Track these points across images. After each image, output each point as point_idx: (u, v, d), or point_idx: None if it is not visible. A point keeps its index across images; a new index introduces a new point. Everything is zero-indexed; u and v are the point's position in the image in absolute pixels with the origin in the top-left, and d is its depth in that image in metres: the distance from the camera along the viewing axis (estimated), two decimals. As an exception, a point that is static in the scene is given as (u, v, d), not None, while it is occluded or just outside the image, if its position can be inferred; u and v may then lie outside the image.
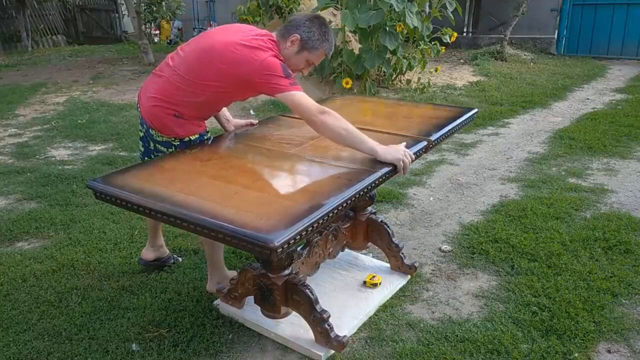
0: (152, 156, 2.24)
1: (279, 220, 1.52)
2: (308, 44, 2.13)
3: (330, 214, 1.61)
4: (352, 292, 2.41)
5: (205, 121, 2.33)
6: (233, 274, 2.39)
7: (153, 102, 2.17)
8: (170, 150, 2.21)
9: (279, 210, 1.60)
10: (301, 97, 2.01)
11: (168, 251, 2.74)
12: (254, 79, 2.02)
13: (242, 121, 2.57)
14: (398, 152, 1.98)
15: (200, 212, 1.57)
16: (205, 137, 2.29)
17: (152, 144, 2.24)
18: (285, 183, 1.89)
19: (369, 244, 2.65)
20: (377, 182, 1.86)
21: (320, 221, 1.56)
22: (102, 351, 2.07)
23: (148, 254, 2.65)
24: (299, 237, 1.48)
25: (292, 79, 2.04)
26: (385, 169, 1.91)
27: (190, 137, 2.22)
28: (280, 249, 1.42)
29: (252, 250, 1.47)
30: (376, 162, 1.95)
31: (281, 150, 2.14)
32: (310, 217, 1.54)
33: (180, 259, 2.79)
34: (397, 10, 5.87)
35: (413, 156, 2.03)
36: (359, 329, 2.19)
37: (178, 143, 2.20)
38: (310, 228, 1.53)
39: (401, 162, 1.97)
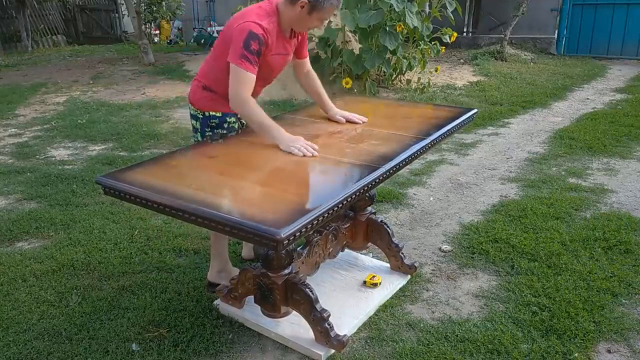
0: (196, 134, 2.40)
1: (285, 214, 1.55)
2: (317, 5, 2.15)
3: (335, 208, 1.63)
4: (352, 292, 2.41)
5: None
6: (236, 271, 2.41)
7: (194, 79, 2.38)
8: (195, 123, 2.36)
9: (285, 205, 1.64)
10: (241, 76, 2.11)
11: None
12: (231, 39, 2.12)
13: (347, 114, 2.54)
14: (294, 143, 2.09)
15: (208, 206, 1.60)
16: (229, 119, 2.34)
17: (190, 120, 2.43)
18: (290, 179, 1.90)
19: (369, 244, 2.65)
20: (380, 177, 1.86)
21: (325, 215, 1.59)
22: (102, 351, 2.07)
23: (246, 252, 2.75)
24: (304, 229, 1.51)
25: (250, 54, 2.08)
26: (389, 166, 1.91)
27: (212, 112, 2.30)
28: (287, 241, 1.45)
29: (259, 243, 1.50)
30: (380, 158, 1.96)
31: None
32: (315, 211, 1.56)
33: None
34: (397, 10, 5.87)
35: (311, 151, 2.08)
36: (359, 329, 2.19)
37: (201, 117, 2.32)
38: (315, 221, 1.55)
39: (299, 153, 2.07)
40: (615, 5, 9.34)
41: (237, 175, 1.90)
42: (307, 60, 2.63)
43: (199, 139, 2.37)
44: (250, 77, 2.12)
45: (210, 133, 2.35)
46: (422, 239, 3.00)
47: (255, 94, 2.31)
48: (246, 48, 2.07)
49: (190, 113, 2.39)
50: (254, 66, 2.10)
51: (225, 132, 2.36)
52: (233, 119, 2.36)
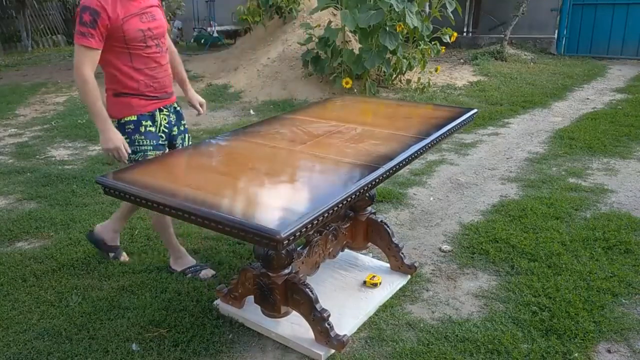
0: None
1: (285, 214, 1.56)
2: None
3: (335, 208, 1.64)
4: (352, 292, 2.41)
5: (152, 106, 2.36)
6: (191, 260, 2.63)
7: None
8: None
9: (285, 204, 1.64)
10: (79, 52, 2.12)
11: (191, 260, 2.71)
12: None
13: (195, 100, 2.70)
14: (110, 144, 2.20)
15: (208, 206, 1.60)
16: (144, 122, 2.33)
17: None
18: (290, 178, 1.90)
19: (369, 244, 2.65)
20: (380, 177, 1.86)
21: (325, 215, 1.59)
22: (102, 351, 2.07)
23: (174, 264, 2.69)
24: (304, 229, 1.52)
25: (83, 26, 2.08)
26: (389, 166, 1.91)
27: (127, 118, 2.31)
28: (287, 241, 1.45)
29: (259, 243, 1.50)
30: (380, 158, 1.96)
31: (286, 147, 2.15)
32: (315, 210, 1.57)
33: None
34: (397, 10, 5.87)
35: (125, 155, 2.24)
36: (359, 329, 2.19)
37: (117, 125, 2.31)
38: (315, 221, 1.56)
39: (110, 154, 2.23)
40: (615, 5, 9.33)
41: (237, 175, 1.90)
42: (166, 34, 2.54)
43: (127, 141, 2.34)
44: (87, 52, 2.11)
45: (129, 140, 2.32)
46: (422, 239, 3.00)
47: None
48: (80, 23, 2.08)
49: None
50: (88, 39, 2.09)
51: (143, 138, 2.33)
52: (149, 122, 2.35)
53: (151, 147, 2.36)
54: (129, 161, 2.31)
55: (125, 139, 2.31)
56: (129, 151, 2.28)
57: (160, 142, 2.41)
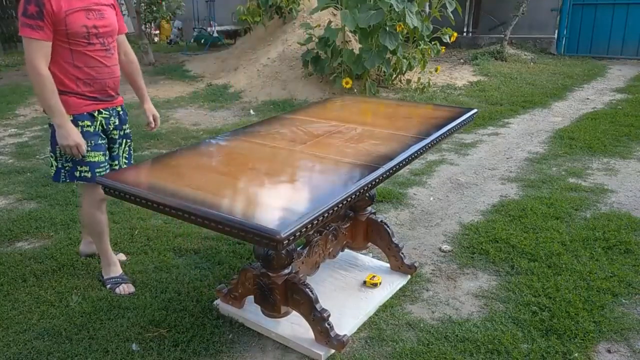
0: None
1: (285, 214, 1.56)
2: None
3: (335, 208, 1.64)
4: (352, 292, 2.41)
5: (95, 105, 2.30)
6: (118, 270, 2.55)
7: None
8: (50, 130, 2.28)
9: (285, 204, 1.64)
10: (28, 45, 2.06)
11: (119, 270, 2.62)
12: None
13: (149, 112, 2.62)
14: (68, 140, 2.17)
15: (208, 206, 1.60)
16: (81, 122, 2.26)
17: None
18: (290, 178, 1.90)
19: (369, 244, 2.65)
20: (380, 177, 1.86)
21: (325, 215, 1.59)
22: (102, 351, 2.07)
23: (84, 248, 2.78)
24: (304, 229, 1.52)
25: (29, 19, 2.02)
26: (389, 166, 1.91)
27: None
28: (287, 241, 1.45)
29: (259, 243, 1.50)
30: (380, 158, 1.96)
31: (286, 147, 2.15)
32: (315, 211, 1.57)
33: (128, 288, 2.51)
34: (397, 10, 5.87)
35: (83, 151, 2.22)
36: (359, 329, 2.19)
37: (48, 125, 2.28)
38: (316, 221, 1.56)
39: (68, 150, 2.20)
40: (615, 5, 9.34)
41: (237, 175, 1.90)
42: (124, 37, 2.51)
43: (49, 147, 2.33)
44: (37, 44, 2.06)
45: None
46: (422, 239, 3.00)
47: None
48: (24, 15, 2.03)
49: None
50: (36, 30, 2.04)
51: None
52: (87, 122, 2.28)
53: (89, 148, 2.29)
54: (66, 161, 2.30)
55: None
56: (86, 148, 2.26)
57: (99, 141, 2.34)
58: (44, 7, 2.03)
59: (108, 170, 2.38)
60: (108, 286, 2.48)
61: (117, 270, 2.54)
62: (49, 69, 2.16)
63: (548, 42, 9.93)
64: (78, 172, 2.31)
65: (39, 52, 2.07)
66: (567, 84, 7.28)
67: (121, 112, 2.48)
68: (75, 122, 2.24)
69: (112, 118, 2.41)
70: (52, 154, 2.35)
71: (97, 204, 2.43)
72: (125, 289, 2.46)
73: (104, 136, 2.38)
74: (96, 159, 2.33)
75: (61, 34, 2.13)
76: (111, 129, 2.41)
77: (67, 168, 2.32)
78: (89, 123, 2.30)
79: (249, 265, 2.17)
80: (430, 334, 2.14)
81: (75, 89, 2.23)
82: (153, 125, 2.64)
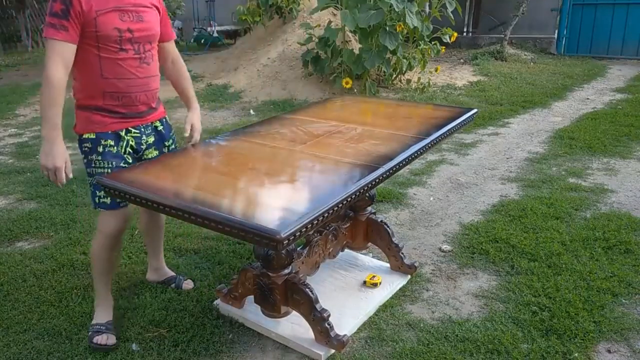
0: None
1: (285, 214, 1.56)
2: None
3: (335, 208, 1.64)
4: (352, 292, 2.41)
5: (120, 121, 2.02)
6: (109, 315, 2.20)
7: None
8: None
9: (285, 204, 1.64)
10: (48, 47, 1.83)
11: (169, 273, 2.57)
12: None
13: (188, 121, 2.25)
14: (48, 161, 1.87)
15: (208, 206, 1.60)
16: (104, 142, 1.98)
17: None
18: (290, 178, 1.90)
19: (369, 244, 2.65)
20: (380, 177, 1.86)
21: (325, 215, 1.59)
22: (102, 351, 2.07)
23: (150, 275, 2.57)
24: (304, 229, 1.52)
25: (53, 17, 1.80)
26: (389, 166, 1.91)
27: (85, 135, 2.00)
28: (287, 241, 1.45)
29: (259, 243, 1.50)
30: (380, 158, 1.96)
31: (286, 147, 2.15)
32: (315, 210, 1.57)
33: (188, 283, 2.51)
34: (397, 10, 5.87)
35: (62, 179, 1.90)
36: (359, 329, 2.19)
37: (77, 140, 2.05)
38: (315, 221, 1.56)
39: (45, 172, 1.90)
40: (615, 5, 9.33)
41: (237, 175, 1.90)
42: (172, 45, 2.24)
43: (84, 162, 2.06)
44: (57, 46, 1.81)
45: (85, 160, 2.04)
46: (422, 239, 3.00)
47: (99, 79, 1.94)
48: (49, 14, 1.81)
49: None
50: (59, 31, 1.80)
51: (100, 159, 1.99)
52: (110, 142, 1.99)
53: (109, 170, 1.98)
54: (90, 184, 2.03)
55: (83, 159, 2.04)
56: (70, 176, 1.94)
57: (122, 163, 2.02)
58: (71, 5, 1.79)
59: None
60: (89, 333, 2.11)
61: (106, 317, 2.18)
62: (77, 78, 1.96)
63: (548, 42, 9.93)
64: (97, 198, 2.03)
65: (57, 55, 1.81)
66: (567, 84, 7.28)
67: (161, 127, 2.18)
68: (97, 140, 1.98)
69: (145, 137, 2.10)
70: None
71: (113, 239, 2.08)
72: (104, 339, 2.07)
73: (132, 158, 2.08)
74: None
75: (90, 37, 1.86)
76: (144, 148, 2.10)
77: (90, 191, 2.07)
78: (112, 143, 2.00)
79: (249, 265, 2.17)
80: (430, 334, 2.14)
81: (101, 104, 1.97)
82: (187, 135, 2.24)
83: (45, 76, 1.82)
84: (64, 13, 1.80)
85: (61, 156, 1.88)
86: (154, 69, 2.06)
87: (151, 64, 2.04)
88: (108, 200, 2.01)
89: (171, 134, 2.26)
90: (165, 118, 2.22)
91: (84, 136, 2.01)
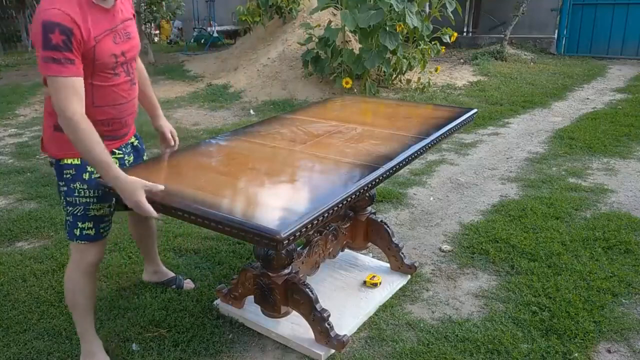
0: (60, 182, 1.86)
1: (285, 214, 1.56)
2: None
3: (335, 208, 1.64)
4: (352, 292, 2.41)
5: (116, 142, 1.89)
6: (189, 284, 2.32)
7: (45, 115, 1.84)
8: (54, 171, 1.83)
9: (285, 204, 1.64)
10: (55, 85, 1.57)
11: (169, 274, 2.54)
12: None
13: (166, 129, 2.15)
14: (128, 201, 1.66)
15: (208, 206, 1.60)
16: (90, 168, 1.80)
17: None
18: (290, 178, 1.90)
19: (369, 244, 2.65)
20: (380, 177, 1.86)
21: (325, 215, 1.59)
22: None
23: (145, 276, 2.53)
24: (304, 229, 1.52)
25: (54, 51, 1.54)
26: (389, 166, 1.91)
27: (67, 160, 1.80)
28: (287, 241, 1.45)
29: (258, 243, 1.50)
30: (380, 158, 1.96)
31: (286, 147, 2.15)
32: (315, 210, 1.57)
33: (188, 282, 2.50)
34: (397, 10, 5.87)
35: (150, 212, 1.66)
36: (359, 329, 2.19)
37: (55, 165, 1.83)
38: (315, 221, 1.56)
39: (139, 211, 1.68)
40: (615, 5, 9.33)
41: (237, 175, 1.90)
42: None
43: (62, 189, 1.84)
44: (67, 82, 1.57)
45: (66, 188, 1.81)
46: (422, 239, 3.00)
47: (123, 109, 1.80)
48: (47, 47, 1.54)
49: (48, 159, 1.86)
50: (66, 65, 1.56)
51: (85, 187, 1.81)
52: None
53: (95, 199, 1.84)
54: (67, 214, 1.84)
55: (63, 186, 1.82)
56: (161, 188, 1.68)
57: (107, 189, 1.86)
58: (72, 34, 1.56)
59: (111, 225, 1.97)
60: None
61: (103, 356, 2.01)
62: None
63: (548, 42, 9.93)
64: (78, 230, 1.85)
65: (71, 93, 1.58)
66: (567, 84, 7.28)
67: (136, 143, 2.08)
68: (82, 167, 1.81)
69: (127, 156, 1.99)
70: (61, 200, 1.89)
71: (89, 267, 1.92)
72: None
73: None
74: (101, 212, 1.88)
75: (87, 67, 1.66)
76: (126, 168, 1.92)
77: (68, 222, 1.87)
78: None
79: (249, 265, 2.17)
80: (430, 334, 2.14)
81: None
82: (172, 143, 2.16)
83: (67, 118, 1.59)
84: (65, 44, 1.55)
85: (136, 188, 1.65)
86: (137, 88, 1.93)
87: (136, 83, 1.91)
88: (93, 232, 1.86)
89: (144, 148, 2.16)
90: (136, 133, 2.09)
91: (65, 161, 1.80)
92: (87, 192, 1.83)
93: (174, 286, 2.49)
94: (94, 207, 1.85)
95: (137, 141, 2.09)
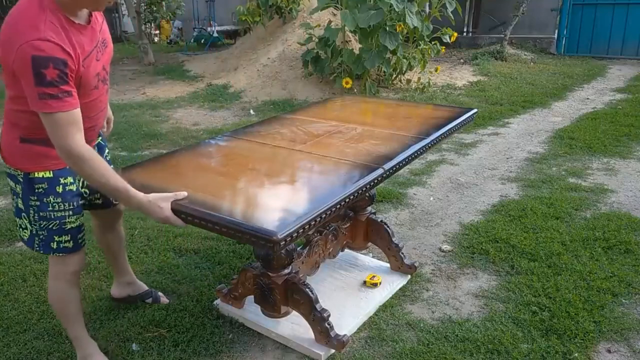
0: (16, 199, 1.76)
1: (284, 214, 1.56)
2: None
3: (334, 209, 1.64)
4: (352, 292, 2.41)
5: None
6: (163, 299, 2.30)
7: (3, 124, 1.72)
8: (15, 186, 1.73)
9: (284, 205, 1.64)
10: (55, 121, 1.49)
11: (144, 286, 2.39)
12: (13, 71, 1.50)
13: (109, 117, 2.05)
14: (158, 218, 1.66)
15: (207, 207, 1.60)
16: (63, 180, 1.73)
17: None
18: (289, 179, 1.90)
19: (369, 244, 2.65)
20: (380, 177, 1.86)
21: (324, 215, 1.59)
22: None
23: (115, 290, 2.37)
24: (302, 230, 1.51)
25: (51, 87, 1.46)
26: (389, 166, 1.91)
27: (39, 173, 1.69)
28: (284, 242, 1.45)
29: (256, 244, 1.50)
30: (380, 158, 1.96)
31: (285, 147, 2.15)
32: (313, 211, 1.57)
33: (164, 299, 2.39)
34: (397, 10, 5.87)
35: (178, 222, 1.66)
36: (359, 329, 2.19)
37: (22, 179, 1.71)
38: (314, 222, 1.55)
39: (168, 223, 1.68)
40: (615, 5, 9.33)
41: (237, 176, 1.90)
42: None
43: (20, 206, 1.75)
44: (67, 117, 1.50)
45: (38, 203, 1.72)
46: (422, 239, 3.00)
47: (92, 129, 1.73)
48: (41, 84, 1.45)
49: (6, 171, 1.74)
50: (64, 100, 1.48)
51: (60, 201, 1.73)
52: (70, 179, 1.76)
53: (70, 212, 1.77)
54: (40, 228, 1.76)
55: (34, 200, 1.71)
56: (184, 195, 1.66)
57: (81, 201, 1.83)
58: (66, 66, 1.49)
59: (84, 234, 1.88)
60: None
61: None
62: (24, 111, 1.59)
63: (548, 42, 9.93)
64: (55, 244, 1.79)
65: (72, 127, 1.51)
66: (567, 84, 7.28)
67: (101, 141, 2.01)
68: (55, 179, 1.71)
69: None
70: (24, 214, 1.77)
71: (73, 276, 1.91)
72: None
73: (87, 192, 1.90)
74: (76, 223, 1.81)
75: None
76: None
77: (41, 236, 1.79)
78: (71, 180, 1.77)
79: (249, 265, 2.17)
80: (430, 334, 2.14)
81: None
82: (105, 129, 2.09)
83: (80, 157, 1.52)
84: (61, 78, 1.48)
85: (162, 207, 1.63)
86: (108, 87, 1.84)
87: (107, 82, 1.81)
88: (71, 244, 1.81)
89: (106, 144, 2.09)
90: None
91: (35, 175, 1.69)
92: (62, 206, 1.75)
93: (149, 300, 2.35)
94: (70, 220, 1.78)
95: (100, 139, 2.01)
